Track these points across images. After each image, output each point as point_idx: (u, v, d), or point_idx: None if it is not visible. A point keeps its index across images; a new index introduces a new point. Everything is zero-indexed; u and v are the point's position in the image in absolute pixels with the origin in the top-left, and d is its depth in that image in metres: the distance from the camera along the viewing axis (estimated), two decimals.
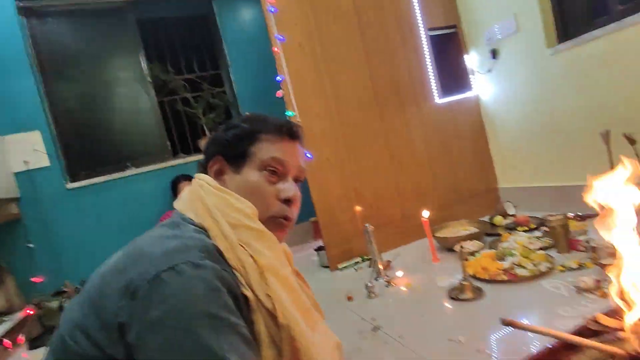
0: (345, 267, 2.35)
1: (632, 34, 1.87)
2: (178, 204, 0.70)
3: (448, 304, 1.58)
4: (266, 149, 0.72)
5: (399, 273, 2.01)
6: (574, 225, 1.91)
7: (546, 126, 2.43)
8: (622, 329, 0.83)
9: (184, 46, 3.56)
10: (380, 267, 2.05)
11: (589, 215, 2.04)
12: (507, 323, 0.80)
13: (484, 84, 2.79)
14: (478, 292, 1.58)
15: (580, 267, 1.59)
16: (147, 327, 0.49)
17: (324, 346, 0.66)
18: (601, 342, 0.85)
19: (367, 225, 2.11)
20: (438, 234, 2.30)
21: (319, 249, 2.54)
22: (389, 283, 1.92)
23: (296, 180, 0.78)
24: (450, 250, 2.16)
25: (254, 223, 0.65)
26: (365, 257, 2.37)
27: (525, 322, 1.14)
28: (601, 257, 1.54)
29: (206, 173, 0.74)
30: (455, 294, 1.61)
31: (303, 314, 0.65)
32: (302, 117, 2.33)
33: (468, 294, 1.57)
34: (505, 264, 1.68)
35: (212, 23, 3.53)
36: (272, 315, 0.59)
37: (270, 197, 0.71)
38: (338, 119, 2.45)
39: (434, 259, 2.10)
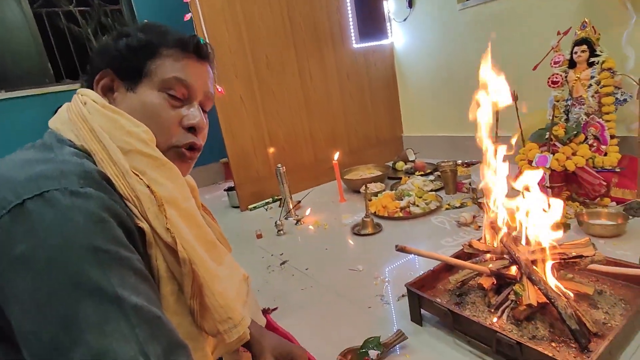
0: (255, 208, 2.36)
1: None
2: (53, 122, 0.57)
3: (351, 239, 1.71)
4: (169, 67, 0.60)
5: (308, 212, 2.08)
6: (461, 171, 2.16)
7: (449, 79, 2.61)
8: (488, 251, 0.99)
9: None
10: (291, 206, 2.10)
11: (473, 163, 2.33)
12: (400, 249, 0.90)
13: (399, 33, 2.85)
14: (378, 228, 1.73)
15: (462, 205, 1.83)
16: (11, 265, 0.40)
17: (229, 280, 0.63)
18: (472, 263, 1.01)
19: (279, 165, 2.11)
20: (346, 177, 2.42)
21: (229, 189, 2.49)
22: (297, 221, 1.99)
23: (203, 108, 0.67)
24: (356, 191, 2.30)
25: (151, 150, 0.56)
26: (276, 198, 2.39)
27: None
28: (479, 196, 1.78)
29: (92, 89, 0.61)
30: (357, 230, 1.74)
31: (207, 247, 0.61)
32: (213, 47, 2.14)
33: (369, 229, 1.71)
34: (402, 203, 1.86)
35: None
36: (171, 250, 0.54)
37: (172, 124, 0.60)
38: (251, 55, 2.31)
39: (341, 199, 2.22)
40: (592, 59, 1.67)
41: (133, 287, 0.44)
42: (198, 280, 0.55)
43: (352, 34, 2.69)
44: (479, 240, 1.06)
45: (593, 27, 1.67)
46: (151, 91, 0.59)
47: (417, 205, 1.84)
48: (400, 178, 2.34)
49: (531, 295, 0.84)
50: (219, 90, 2.19)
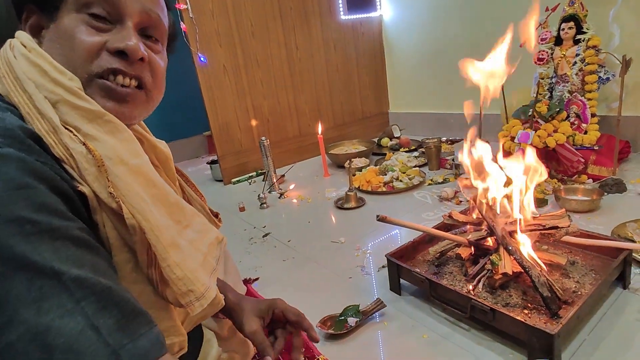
0: (239, 181, 2.34)
1: None
2: None
3: (334, 213, 1.72)
4: None
5: (292, 186, 2.07)
6: (445, 148, 2.17)
7: (435, 56, 2.59)
8: (468, 222, 1.00)
9: None
10: (274, 180, 2.09)
11: (457, 140, 2.34)
12: (380, 219, 0.90)
13: (388, 6, 2.78)
14: (361, 202, 1.73)
15: (445, 181, 1.85)
16: None
17: (193, 246, 0.55)
18: (451, 234, 1.02)
19: (262, 138, 2.08)
20: (331, 152, 2.41)
21: (212, 162, 2.45)
22: (281, 195, 1.98)
23: (146, 32, 0.55)
24: (341, 166, 2.30)
25: (82, 101, 0.47)
26: (260, 171, 2.37)
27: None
28: (461, 172, 1.80)
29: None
30: (340, 204, 1.75)
31: (170, 210, 0.53)
32: (195, 13, 2.06)
33: (352, 203, 1.71)
34: (386, 178, 1.86)
35: None
36: (119, 216, 0.47)
37: (92, 47, 0.49)
38: (235, 22, 2.23)
39: (325, 174, 2.21)
40: (578, 36, 1.67)
41: (73, 258, 0.39)
42: (151, 247, 0.49)
43: (340, 5, 2.62)
44: (460, 212, 1.07)
45: (581, 3, 1.66)
46: (69, 15, 0.50)
47: (401, 181, 1.85)
48: (385, 154, 2.34)
49: (507, 265, 0.86)
50: (202, 60, 2.12)
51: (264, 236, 1.56)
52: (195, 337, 0.69)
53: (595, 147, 1.61)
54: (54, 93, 0.46)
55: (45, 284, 0.36)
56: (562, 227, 0.86)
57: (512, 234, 0.91)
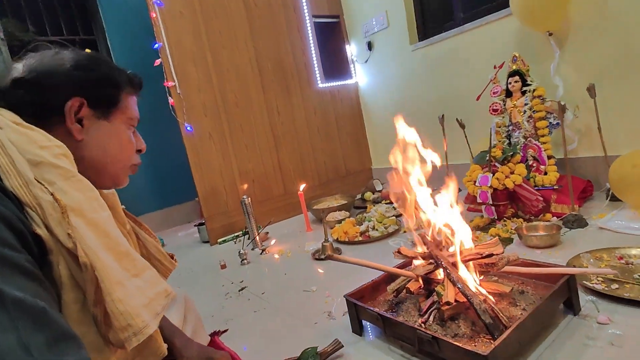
0: (224, 241, 2.39)
1: (469, 37, 2.26)
2: None
3: (310, 264, 1.75)
4: (131, 104, 0.73)
5: (273, 242, 2.12)
6: None
7: (408, 115, 2.76)
8: (416, 257, 1.05)
9: (48, 5, 3.13)
10: (257, 237, 2.14)
11: (434, 189, 2.42)
12: (327, 257, 0.95)
13: (362, 73, 3.06)
14: (337, 252, 1.77)
15: (419, 227, 1.90)
16: None
17: (140, 291, 0.62)
18: (406, 269, 1.07)
19: (244, 197, 2.18)
20: (315, 207, 2.49)
21: (199, 224, 2.53)
22: (262, 251, 2.02)
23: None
24: (320, 220, 2.36)
25: (63, 162, 0.59)
26: (246, 231, 2.43)
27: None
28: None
29: (19, 110, 0.63)
30: (317, 255, 1.79)
31: (118, 257, 0.61)
32: (182, 88, 2.28)
33: (328, 253, 1.75)
34: (362, 228, 1.92)
35: None
36: (74, 256, 0.55)
37: (133, 150, 0.74)
38: (220, 95, 2.45)
39: (308, 228, 2.27)
40: (524, 88, 1.84)
41: (17, 283, 0.44)
42: (98, 285, 0.55)
43: (317, 75, 2.88)
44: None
45: (522, 60, 1.85)
46: (120, 124, 0.71)
47: (376, 230, 1.90)
48: (366, 207, 2.42)
49: (449, 294, 0.90)
50: (188, 129, 2.30)
51: (239, 290, 1.58)
52: None
53: (556, 187, 1.69)
54: (38, 156, 0.57)
55: None
56: (497, 254, 0.91)
57: (455, 264, 0.95)
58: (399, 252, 1.06)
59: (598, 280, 1.08)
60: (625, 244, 1.24)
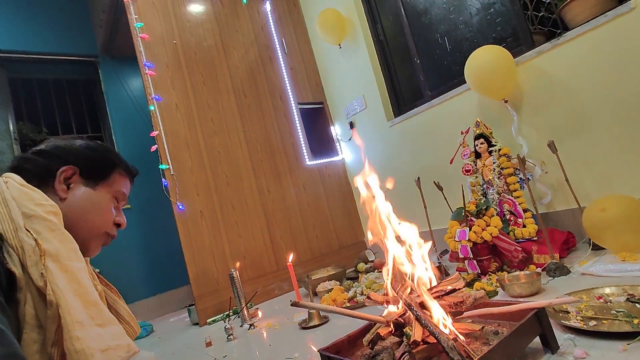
0: (214, 321, 2.31)
1: (437, 110, 2.49)
2: None
3: (297, 333, 1.69)
4: (120, 182, 0.86)
5: (260, 315, 2.06)
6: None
7: (396, 186, 2.89)
8: (383, 301, 1.04)
9: (63, 108, 3.50)
10: (245, 312, 2.09)
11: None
12: (293, 304, 0.96)
13: (347, 150, 3.26)
14: (324, 319, 1.72)
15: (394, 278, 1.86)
16: None
17: (101, 338, 0.63)
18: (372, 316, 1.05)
19: (232, 271, 2.17)
20: (305, 279, 2.45)
21: (189, 305, 2.47)
22: (250, 326, 1.95)
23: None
24: (315, 294, 2.31)
25: (53, 218, 0.68)
26: (236, 309, 2.37)
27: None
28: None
29: (30, 173, 0.76)
30: (304, 324, 1.73)
31: (86, 305, 0.64)
32: (176, 170, 2.44)
33: (315, 321, 1.70)
34: (350, 294, 1.89)
35: (97, 87, 3.59)
36: (42, 295, 0.59)
37: (111, 219, 0.83)
38: (212, 175, 2.60)
39: (298, 299, 2.22)
40: (490, 149, 1.97)
41: None
42: (60, 324, 0.58)
43: (305, 153, 3.08)
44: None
45: (484, 124, 2.01)
46: (106, 193, 0.83)
47: (365, 295, 1.87)
48: (358, 277, 2.39)
49: (417, 333, 0.88)
50: (180, 208, 2.40)
51: None
52: None
53: (535, 238, 1.71)
54: (32, 210, 0.67)
55: None
56: (458, 288, 0.92)
57: (422, 304, 0.95)
58: (368, 297, 1.06)
59: (577, 320, 1.06)
60: (605, 285, 1.23)
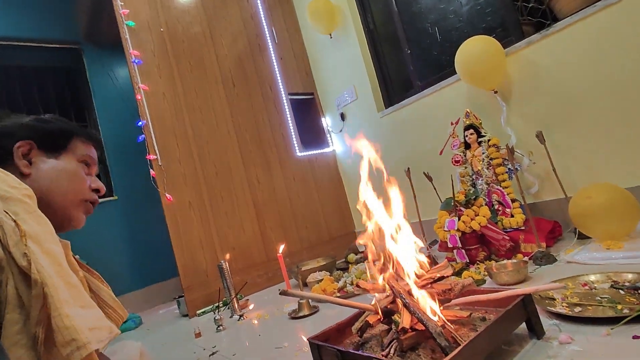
0: (204, 312, 2.30)
1: (427, 101, 2.48)
2: None
3: (286, 323, 1.69)
4: (83, 147, 0.84)
5: (251, 306, 2.06)
6: None
7: (380, 177, 2.90)
8: (372, 289, 1.05)
9: (45, 97, 3.41)
10: (235, 303, 2.08)
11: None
12: (282, 292, 0.95)
13: (337, 142, 3.25)
14: (314, 309, 1.72)
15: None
16: None
17: (87, 316, 0.63)
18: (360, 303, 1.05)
19: (221, 262, 2.16)
20: (295, 270, 2.45)
21: (179, 297, 2.45)
22: (240, 317, 1.95)
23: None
24: (305, 284, 2.31)
25: (28, 200, 0.67)
26: (226, 300, 2.36)
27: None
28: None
29: None
30: (294, 314, 1.73)
31: (68, 287, 0.64)
32: (163, 160, 2.40)
33: (305, 311, 1.70)
34: (340, 284, 1.89)
35: (82, 76, 3.50)
36: (25, 276, 0.58)
37: (86, 184, 0.82)
38: (200, 166, 2.57)
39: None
40: (480, 139, 1.98)
41: None
42: (47, 304, 0.57)
43: (295, 144, 3.06)
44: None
45: (474, 115, 2.02)
46: (71, 160, 0.81)
47: (353, 284, 1.87)
48: (348, 268, 2.39)
49: (405, 320, 0.89)
50: (168, 197, 2.37)
51: (210, 355, 1.50)
52: None
53: (522, 228, 1.73)
54: (8, 192, 0.65)
55: None
56: (447, 276, 0.92)
57: (410, 292, 0.95)
58: (357, 286, 1.06)
59: (562, 306, 1.08)
60: (590, 273, 1.25)
